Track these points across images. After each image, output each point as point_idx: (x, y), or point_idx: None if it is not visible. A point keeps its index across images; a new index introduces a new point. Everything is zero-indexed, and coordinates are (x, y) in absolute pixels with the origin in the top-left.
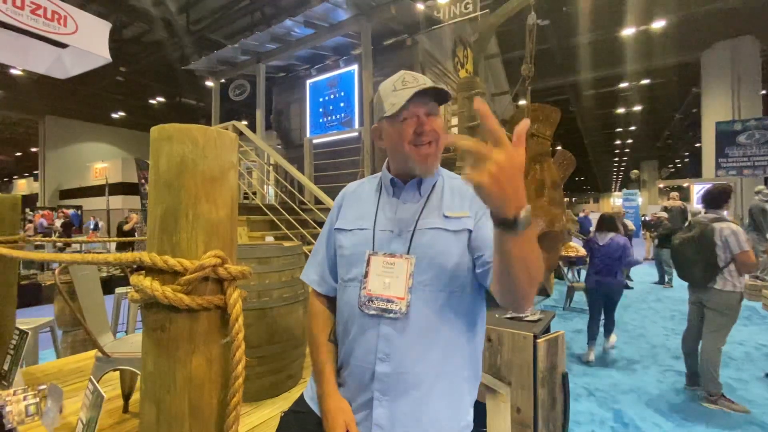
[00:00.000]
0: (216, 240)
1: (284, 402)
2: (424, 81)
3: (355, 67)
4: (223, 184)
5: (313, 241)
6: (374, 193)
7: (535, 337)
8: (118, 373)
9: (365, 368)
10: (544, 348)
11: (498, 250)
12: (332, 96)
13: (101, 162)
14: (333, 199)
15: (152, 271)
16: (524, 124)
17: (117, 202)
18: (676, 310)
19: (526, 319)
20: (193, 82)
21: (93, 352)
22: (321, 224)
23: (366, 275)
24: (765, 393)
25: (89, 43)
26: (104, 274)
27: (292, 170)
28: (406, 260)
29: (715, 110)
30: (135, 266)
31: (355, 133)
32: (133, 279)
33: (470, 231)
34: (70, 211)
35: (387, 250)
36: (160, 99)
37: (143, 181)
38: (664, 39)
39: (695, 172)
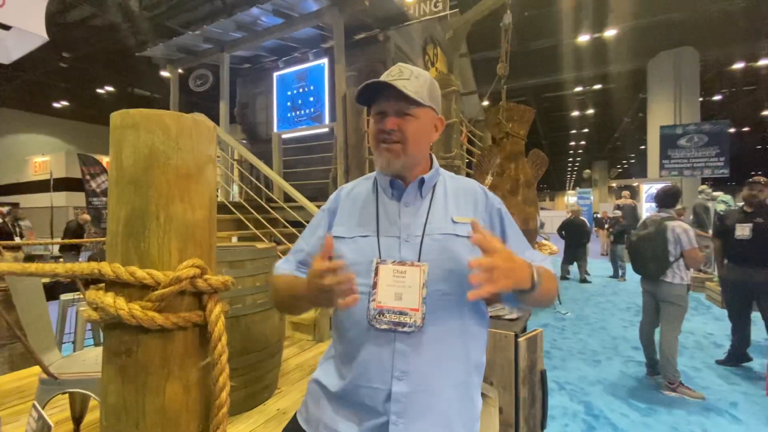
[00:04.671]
0: (192, 246)
1: (260, 415)
2: (408, 76)
3: (325, 61)
4: (200, 180)
5: (283, 240)
6: (371, 195)
7: (516, 335)
8: (67, 393)
9: (379, 389)
10: (525, 346)
11: (521, 300)
12: (301, 90)
13: (42, 155)
14: (305, 196)
15: (115, 285)
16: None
17: (60, 199)
18: (632, 303)
19: (505, 317)
20: (147, 71)
21: (36, 369)
22: (292, 223)
23: (374, 286)
24: (717, 379)
25: (19, 19)
26: (47, 280)
27: (263, 167)
28: (419, 268)
29: (660, 115)
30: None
31: (326, 129)
32: (91, 295)
33: None
34: (5, 209)
35: (396, 257)
36: (110, 88)
37: (88, 177)
38: (614, 47)
39: (641, 173)
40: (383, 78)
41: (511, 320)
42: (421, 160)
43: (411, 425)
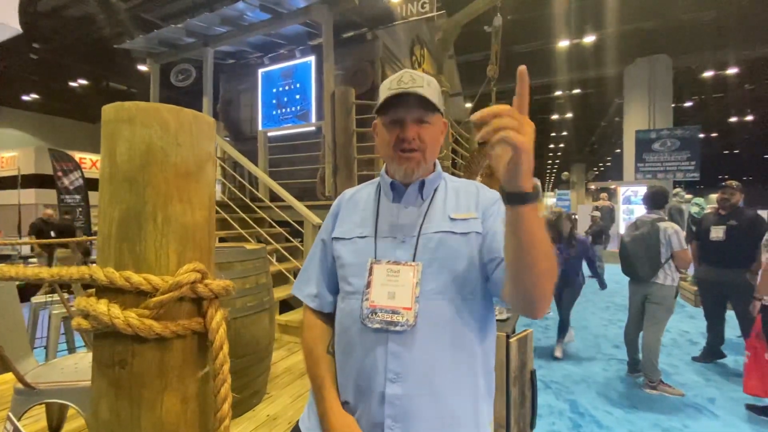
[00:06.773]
0: (192, 249)
1: (249, 422)
2: (422, 84)
3: (311, 59)
4: (200, 179)
5: (270, 240)
6: (373, 198)
7: (508, 336)
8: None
9: (373, 390)
10: (516, 347)
11: (513, 233)
12: (287, 87)
13: (9, 150)
14: (293, 195)
15: (108, 291)
16: (522, 72)
17: (29, 196)
18: (610, 302)
19: (496, 318)
20: (124, 64)
21: (7, 377)
22: (279, 223)
23: (368, 285)
24: (694, 376)
25: None
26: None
27: (250, 165)
28: (412, 267)
29: (635, 120)
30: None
31: (313, 128)
32: (82, 302)
33: (478, 233)
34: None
35: (391, 257)
36: (83, 82)
37: (60, 174)
38: (593, 53)
39: (618, 175)
40: (394, 86)
41: (501, 321)
42: (432, 165)
43: (407, 430)
